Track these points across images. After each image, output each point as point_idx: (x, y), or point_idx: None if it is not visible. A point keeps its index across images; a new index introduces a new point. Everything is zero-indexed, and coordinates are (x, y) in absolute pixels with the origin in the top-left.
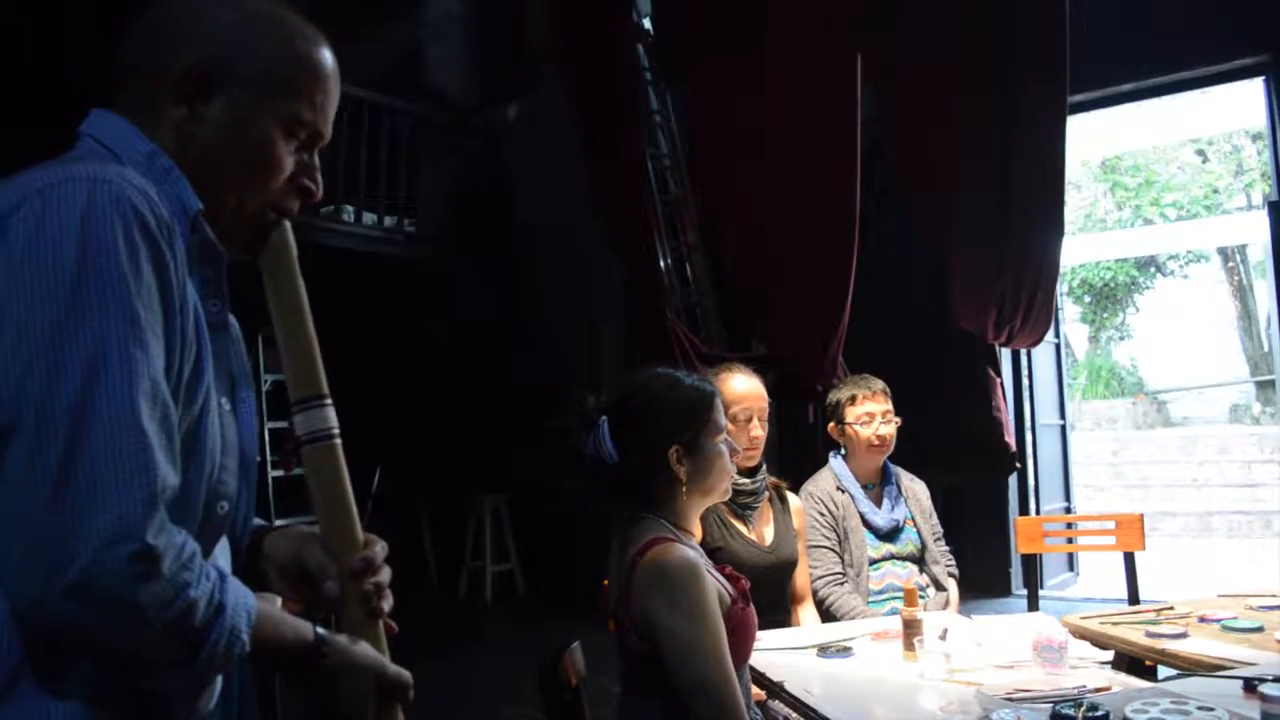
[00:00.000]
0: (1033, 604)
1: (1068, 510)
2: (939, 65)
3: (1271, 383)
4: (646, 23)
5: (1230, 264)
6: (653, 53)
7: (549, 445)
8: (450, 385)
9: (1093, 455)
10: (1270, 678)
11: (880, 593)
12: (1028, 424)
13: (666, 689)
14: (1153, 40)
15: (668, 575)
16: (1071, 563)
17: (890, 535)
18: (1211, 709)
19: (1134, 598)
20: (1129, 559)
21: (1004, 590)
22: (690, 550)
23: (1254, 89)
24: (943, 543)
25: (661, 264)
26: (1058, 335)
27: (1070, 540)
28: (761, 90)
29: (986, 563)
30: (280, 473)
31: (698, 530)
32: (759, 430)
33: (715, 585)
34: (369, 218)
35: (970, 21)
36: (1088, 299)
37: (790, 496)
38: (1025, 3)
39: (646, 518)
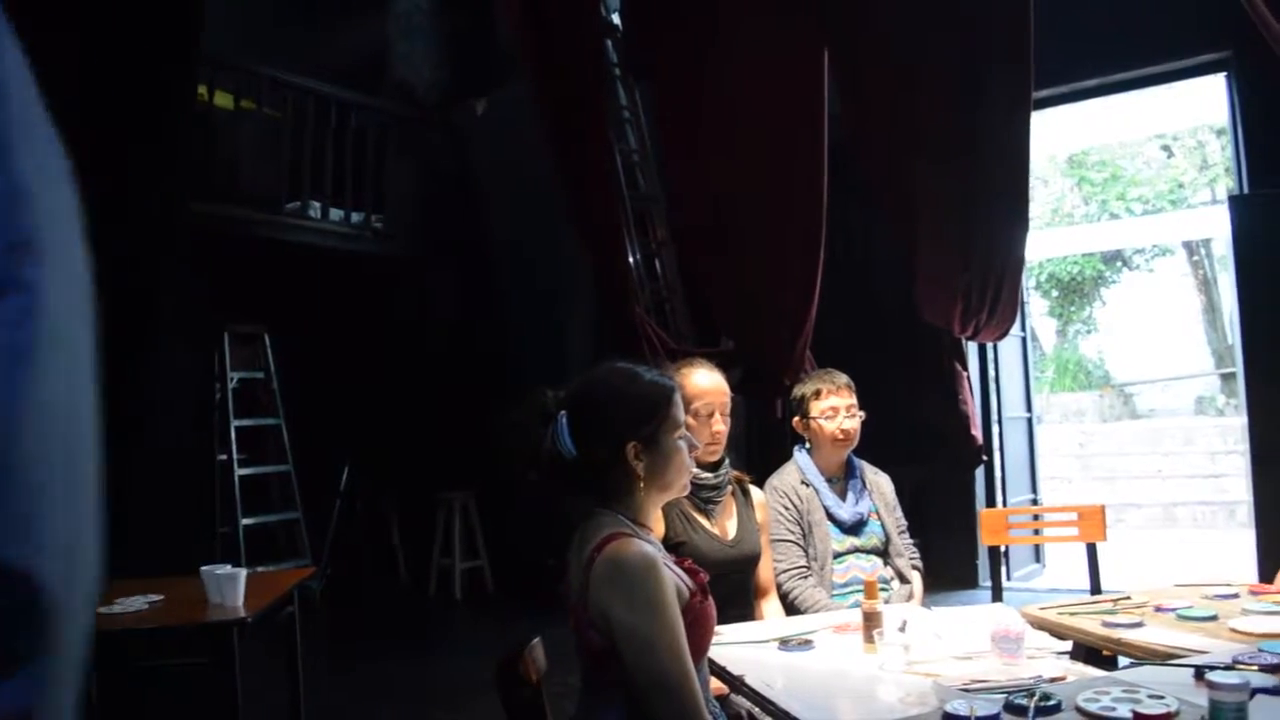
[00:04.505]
0: (997, 595)
1: (1034, 502)
2: (905, 61)
3: (1236, 375)
4: (615, 18)
5: (1195, 258)
6: (621, 48)
7: (509, 441)
8: (419, 382)
9: (1060, 447)
10: (1219, 665)
11: (844, 586)
12: (994, 417)
13: (625, 684)
14: (1117, 36)
15: (625, 571)
16: (1038, 554)
17: (854, 529)
18: (1162, 697)
19: (1096, 588)
20: (1091, 550)
21: (971, 582)
22: (648, 545)
23: (1217, 84)
24: (907, 536)
25: (630, 260)
26: (1024, 329)
27: (1036, 532)
28: (729, 86)
29: (953, 555)
30: (247, 471)
31: (658, 525)
32: (721, 425)
33: (673, 579)
34: (336, 214)
35: (936, 17)
36: (1055, 293)
37: (753, 490)
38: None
39: (604, 513)
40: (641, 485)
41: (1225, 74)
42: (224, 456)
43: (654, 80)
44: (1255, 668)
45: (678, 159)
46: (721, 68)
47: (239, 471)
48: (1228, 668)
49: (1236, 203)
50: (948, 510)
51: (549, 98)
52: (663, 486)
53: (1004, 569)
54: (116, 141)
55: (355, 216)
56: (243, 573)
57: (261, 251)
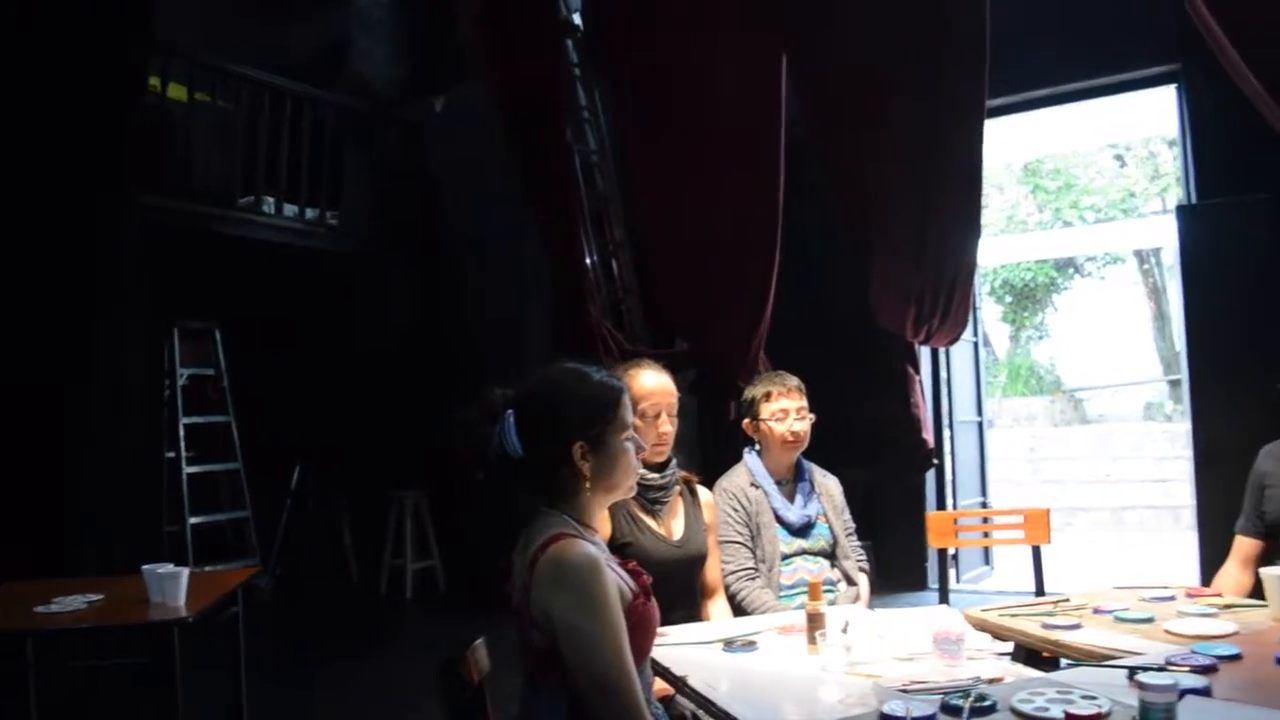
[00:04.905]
0: (944, 597)
1: (984, 505)
2: (862, 67)
3: (1182, 381)
4: (576, 18)
5: (1145, 266)
6: (582, 48)
7: (457, 439)
8: (372, 380)
9: (1012, 452)
10: (1152, 667)
11: (791, 587)
12: (945, 421)
13: (567, 685)
14: (1070, 47)
15: (568, 571)
16: (987, 556)
17: (802, 531)
18: (1095, 697)
19: (1040, 590)
20: (1036, 552)
21: (920, 584)
22: (591, 546)
23: (1168, 96)
24: (854, 538)
25: (587, 260)
26: (976, 334)
27: (986, 535)
28: (688, 87)
29: (904, 557)
30: (195, 469)
31: (604, 526)
32: (668, 426)
33: (616, 581)
34: (290, 210)
35: (892, 25)
36: (1009, 299)
37: (701, 490)
38: (947, 7)
39: (550, 513)
40: (588, 486)
41: (1176, 86)
42: (172, 454)
43: (614, 80)
44: (1186, 669)
45: (636, 159)
46: (681, 69)
47: (187, 469)
48: (1160, 669)
49: (1184, 213)
50: (898, 512)
51: (508, 96)
52: (609, 487)
53: (954, 571)
54: (64, 132)
55: (310, 212)
56: (185, 572)
57: (214, 246)
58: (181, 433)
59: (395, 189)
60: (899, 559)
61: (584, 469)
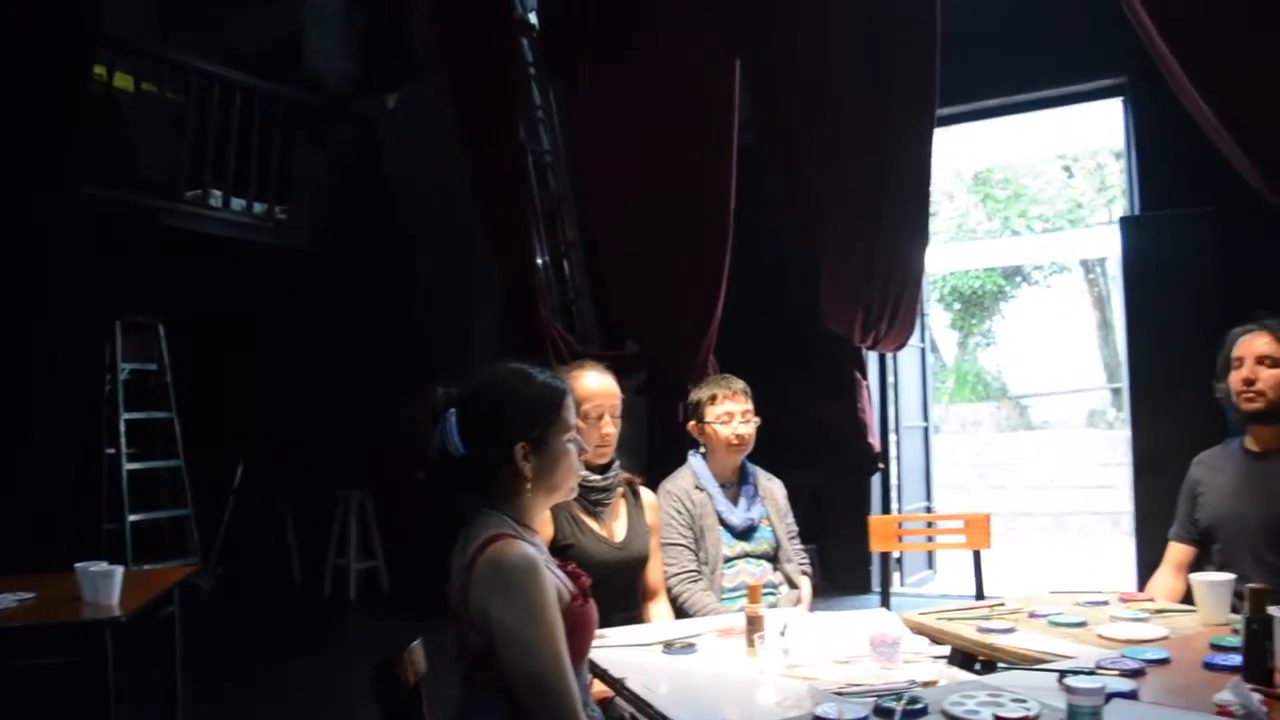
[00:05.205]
0: (885, 601)
1: (928, 510)
2: (815, 73)
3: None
4: (532, 17)
5: (1091, 276)
6: (537, 47)
7: (399, 438)
8: (319, 378)
9: (958, 457)
10: (1082, 670)
11: (733, 590)
12: (892, 425)
13: (504, 686)
14: (1020, 59)
15: (505, 572)
16: (931, 560)
17: (745, 534)
18: (1024, 700)
19: (980, 594)
20: (976, 557)
21: (864, 587)
22: (530, 547)
23: (1115, 109)
24: (797, 542)
25: (538, 261)
26: (923, 340)
27: (930, 539)
28: (641, 89)
29: (848, 560)
30: (136, 465)
31: (545, 527)
32: (611, 427)
33: (554, 582)
34: (238, 204)
35: (844, 32)
36: (957, 306)
37: (643, 492)
38: (897, 16)
39: (490, 514)
40: (529, 486)
41: (1123, 99)
42: (112, 450)
43: (568, 80)
44: (1116, 673)
45: (589, 160)
46: (636, 70)
47: (127, 466)
48: (1089, 673)
49: (1127, 224)
50: (844, 516)
51: (461, 94)
52: (550, 489)
53: (898, 574)
54: (4, 121)
55: (258, 207)
56: (118, 570)
57: (159, 239)
58: (122, 428)
59: (347, 185)
60: (844, 562)
61: (525, 470)
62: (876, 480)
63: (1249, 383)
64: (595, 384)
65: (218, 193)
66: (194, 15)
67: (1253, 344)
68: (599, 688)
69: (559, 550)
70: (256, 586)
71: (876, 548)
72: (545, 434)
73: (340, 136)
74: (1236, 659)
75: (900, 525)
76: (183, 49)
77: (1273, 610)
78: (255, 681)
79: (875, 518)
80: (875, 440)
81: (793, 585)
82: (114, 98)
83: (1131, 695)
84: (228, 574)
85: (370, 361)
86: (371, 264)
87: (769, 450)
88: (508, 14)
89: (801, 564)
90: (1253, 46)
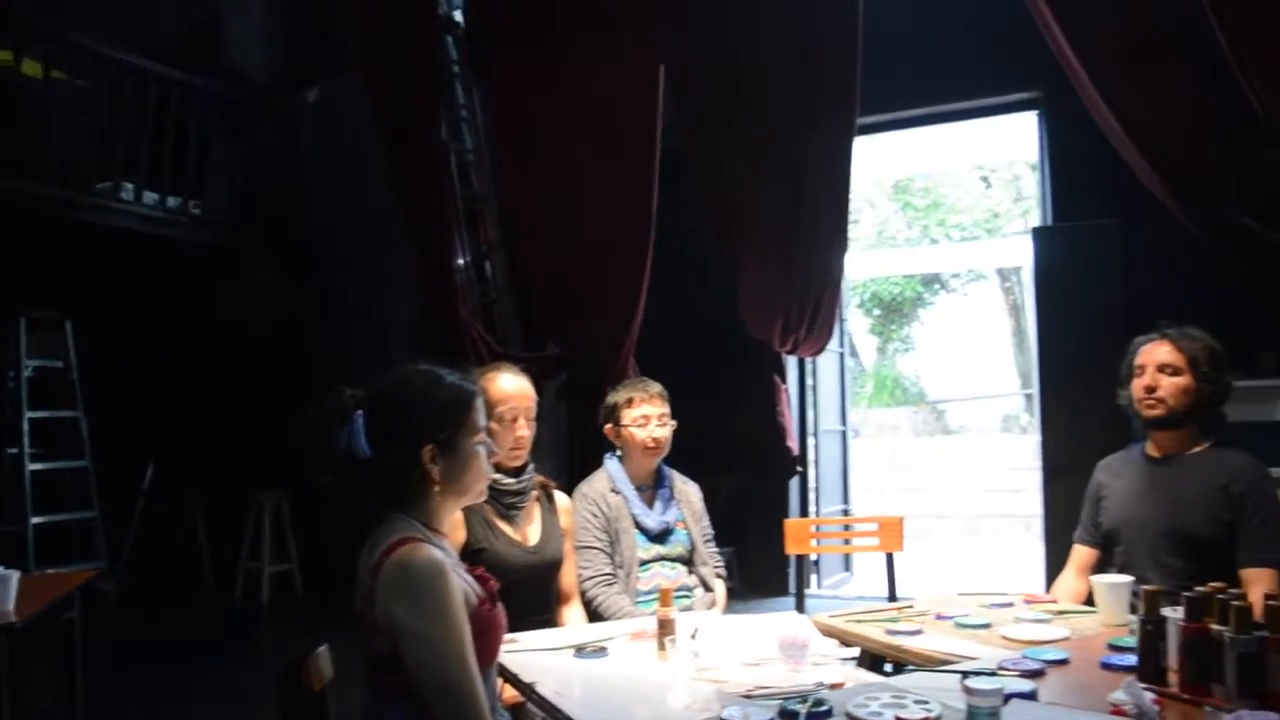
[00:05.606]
0: (800, 603)
1: (845, 513)
2: (737, 80)
3: None
4: (458, 15)
5: (1007, 284)
6: (462, 45)
7: (306, 439)
8: (234, 377)
9: (876, 460)
10: (984, 671)
11: (648, 593)
12: (811, 429)
13: (410, 692)
14: (940, 70)
15: (411, 576)
16: (847, 563)
17: (660, 537)
18: (926, 702)
19: (893, 596)
20: (889, 559)
21: (782, 589)
22: (437, 551)
23: (1030, 121)
24: (713, 545)
25: (460, 261)
26: (842, 345)
27: (847, 541)
28: (566, 90)
29: (767, 563)
30: (40, 465)
31: (457, 530)
32: (525, 430)
33: (461, 586)
34: (151, 198)
35: (768, 40)
36: (877, 312)
37: (558, 496)
38: (820, 25)
39: (397, 517)
40: (437, 489)
41: (1037, 112)
42: (14, 450)
43: (492, 79)
44: (1016, 673)
45: (512, 160)
46: (560, 71)
47: (30, 466)
48: (991, 673)
49: (1039, 234)
50: (762, 519)
51: (383, 90)
52: (459, 492)
53: (815, 577)
54: None
55: (172, 201)
56: (14, 575)
57: (68, 233)
58: (26, 427)
59: (265, 180)
60: (762, 565)
61: (433, 472)
62: (795, 483)
63: (1150, 390)
64: (510, 386)
65: (130, 186)
66: (109, 1)
67: (1154, 352)
68: (510, 693)
69: (472, 554)
70: (165, 590)
71: (791, 550)
72: (454, 436)
73: (259, 130)
74: (1133, 659)
75: (817, 528)
76: (96, 36)
77: (1166, 611)
78: (158, 688)
79: (790, 521)
80: (794, 444)
81: (707, 588)
82: (21, 85)
83: (1030, 696)
84: (136, 578)
85: (286, 360)
86: (289, 261)
87: (689, 453)
88: (431, 10)
89: (716, 567)
90: (1160, 71)
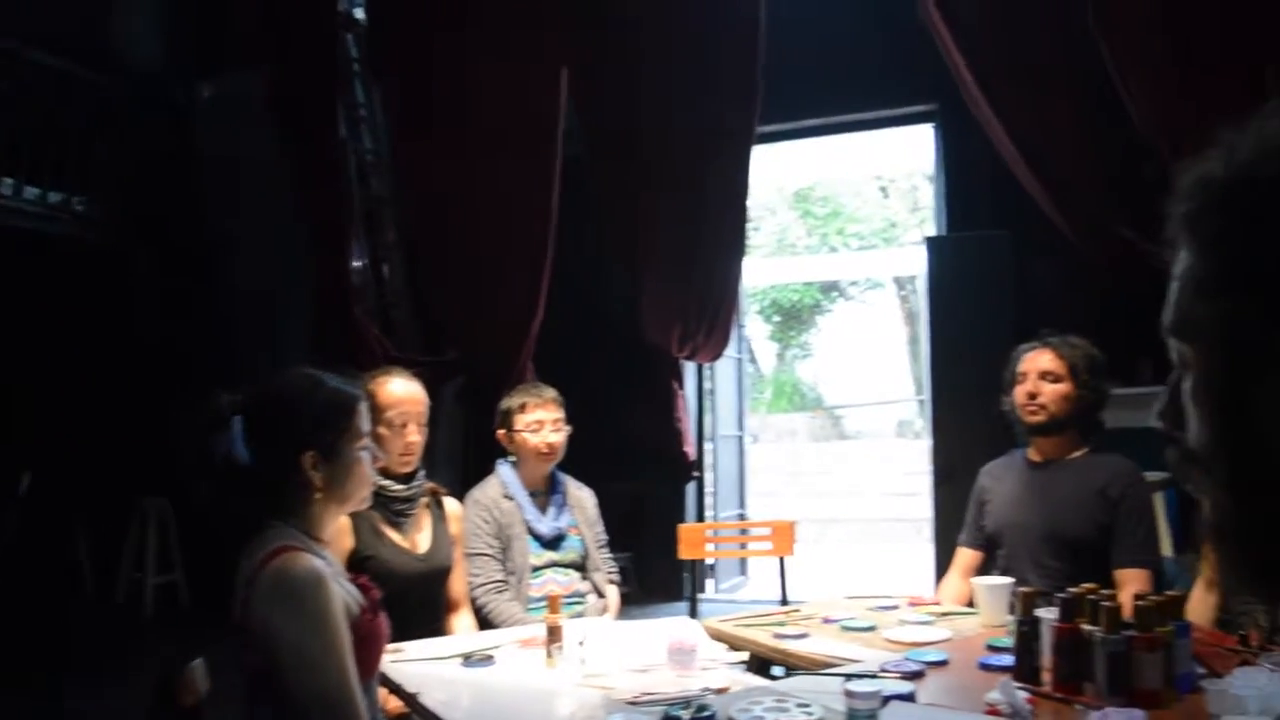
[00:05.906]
0: (693, 608)
1: (742, 517)
2: (638, 86)
3: None
4: (359, 12)
5: (903, 292)
6: (363, 43)
7: (183, 446)
8: (117, 380)
9: (773, 465)
10: (866, 674)
11: (541, 600)
12: (709, 434)
13: (288, 704)
14: (839, 81)
15: (289, 585)
16: (743, 567)
17: (553, 543)
18: (808, 705)
19: (784, 599)
20: (781, 563)
21: (678, 594)
22: (317, 560)
23: (927, 133)
24: (606, 551)
25: (357, 263)
26: (740, 351)
27: (744, 546)
28: (467, 92)
29: (664, 568)
30: None
31: (343, 538)
32: (416, 435)
33: (341, 596)
34: (31, 192)
35: (669, 47)
36: (777, 318)
37: (448, 502)
38: (721, 35)
39: (276, 525)
40: (318, 496)
41: (933, 125)
42: None
43: (393, 79)
44: (897, 675)
45: (412, 161)
46: (462, 71)
47: None
48: (873, 676)
49: (933, 243)
50: (659, 524)
51: (280, 87)
52: (341, 499)
53: (712, 581)
54: None
55: (53, 196)
56: None
57: None
58: None
59: (154, 177)
60: (659, 570)
61: (314, 479)
62: (693, 489)
63: (1032, 396)
64: (400, 390)
65: (9, 180)
66: None
67: (1036, 360)
68: (394, 703)
69: (359, 562)
70: (42, 602)
71: (685, 555)
72: (336, 442)
73: (149, 125)
74: (1009, 659)
75: (712, 533)
76: None
77: (1040, 612)
78: (25, 705)
79: (684, 526)
80: (691, 449)
81: (600, 594)
82: None
83: (909, 697)
84: (10, 589)
85: (172, 363)
86: (178, 260)
87: (586, 458)
88: (331, 7)
89: (610, 573)
90: (1049, 90)
